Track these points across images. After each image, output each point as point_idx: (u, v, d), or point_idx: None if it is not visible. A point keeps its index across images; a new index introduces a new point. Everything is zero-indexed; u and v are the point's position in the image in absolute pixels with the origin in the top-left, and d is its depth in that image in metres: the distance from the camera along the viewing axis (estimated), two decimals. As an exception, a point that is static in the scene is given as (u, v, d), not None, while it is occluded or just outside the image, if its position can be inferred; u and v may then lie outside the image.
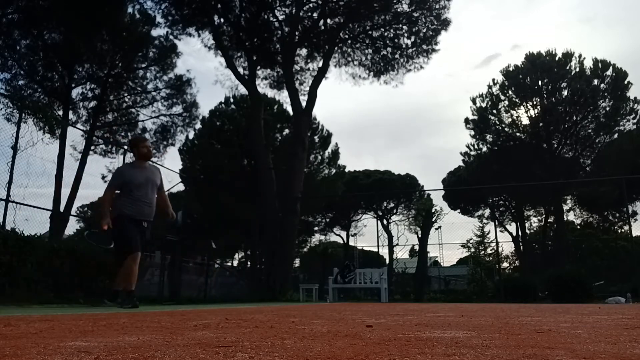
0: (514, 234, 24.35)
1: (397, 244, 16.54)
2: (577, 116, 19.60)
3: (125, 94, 16.09)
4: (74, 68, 14.57)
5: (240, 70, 15.39)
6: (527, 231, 24.88)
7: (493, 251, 13.79)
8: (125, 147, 14.62)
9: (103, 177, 15.23)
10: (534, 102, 20.47)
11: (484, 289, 12.04)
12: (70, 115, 14.83)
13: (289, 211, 12.90)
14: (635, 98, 19.39)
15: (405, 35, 15.77)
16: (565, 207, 22.33)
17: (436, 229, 15.55)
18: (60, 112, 14.22)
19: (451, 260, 33.33)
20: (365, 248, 23.81)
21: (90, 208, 24.64)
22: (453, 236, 23.81)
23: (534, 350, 1.26)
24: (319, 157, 20.51)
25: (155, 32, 15.46)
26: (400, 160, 76.60)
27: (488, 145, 21.66)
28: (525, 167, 19.51)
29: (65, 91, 14.49)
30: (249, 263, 22.01)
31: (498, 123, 21.09)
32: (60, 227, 11.28)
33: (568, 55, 19.92)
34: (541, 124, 20.17)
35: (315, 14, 15.48)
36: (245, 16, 15.24)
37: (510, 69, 20.99)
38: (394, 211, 25.69)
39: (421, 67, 16.12)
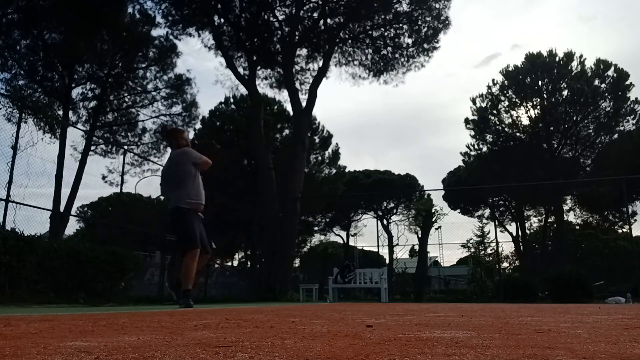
0: (514, 234, 24.38)
1: (397, 244, 16.58)
2: (578, 116, 19.60)
3: (125, 94, 16.10)
4: (74, 68, 14.57)
5: (240, 70, 15.40)
6: (527, 231, 24.89)
7: (493, 251, 13.79)
8: (124, 147, 14.60)
9: (104, 178, 15.26)
10: (534, 102, 20.47)
11: (484, 289, 12.04)
12: (70, 115, 14.85)
13: (289, 211, 12.90)
14: (636, 98, 19.40)
15: (406, 34, 15.78)
16: (565, 207, 22.33)
17: (436, 229, 15.58)
18: (60, 112, 14.23)
19: (451, 260, 33.40)
20: (365, 248, 23.85)
21: (90, 208, 24.64)
22: (453, 236, 23.89)
23: (534, 350, 1.26)
24: (319, 157, 20.53)
25: (155, 32, 15.49)
26: (400, 160, 76.61)
27: (488, 145, 21.66)
28: (525, 167, 19.51)
29: (65, 91, 14.49)
30: (249, 263, 22.03)
31: (498, 123, 21.09)
32: (60, 227, 11.30)
33: (569, 56, 19.91)
34: (541, 124, 20.17)
35: (315, 14, 15.48)
36: (245, 16, 15.23)
37: (510, 69, 20.99)
38: (394, 211, 25.72)
39: (422, 65, 16.14)
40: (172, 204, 4.79)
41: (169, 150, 5.38)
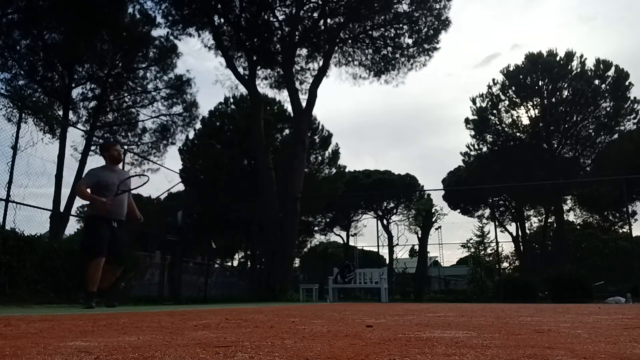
0: (514, 234, 24.38)
1: (397, 244, 16.56)
2: (578, 116, 19.60)
3: (125, 94, 16.09)
4: (74, 68, 14.56)
5: (240, 70, 15.40)
6: (527, 231, 24.89)
7: (493, 251, 13.79)
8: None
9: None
10: (534, 102, 20.47)
11: (484, 289, 12.03)
12: (70, 115, 14.84)
13: (289, 211, 12.90)
14: (635, 98, 19.40)
15: (406, 34, 15.78)
16: (565, 207, 22.34)
17: (436, 229, 15.57)
18: (60, 112, 14.22)
19: (451, 260, 33.40)
20: (365, 248, 23.84)
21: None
22: (453, 236, 23.84)
23: (534, 350, 1.26)
24: (319, 157, 20.52)
25: (155, 32, 15.47)
26: (400, 160, 76.69)
27: (488, 145, 21.66)
28: (526, 167, 19.51)
29: (65, 91, 14.48)
30: (249, 263, 22.01)
31: (498, 123, 21.09)
32: (60, 227, 11.29)
33: (569, 55, 19.91)
34: (541, 124, 20.17)
35: (315, 14, 15.48)
36: (245, 16, 15.23)
37: (511, 68, 20.99)
38: (394, 211, 25.72)
39: (423, 65, 16.14)
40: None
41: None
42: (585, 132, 19.83)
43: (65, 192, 13.01)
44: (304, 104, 14.30)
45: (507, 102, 20.92)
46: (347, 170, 22.87)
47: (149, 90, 16.10)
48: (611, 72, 19.39)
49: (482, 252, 13.95)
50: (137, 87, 16.02)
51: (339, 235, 26.81)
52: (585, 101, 19.08)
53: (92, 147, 15.29)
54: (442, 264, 20.47)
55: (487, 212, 23.86)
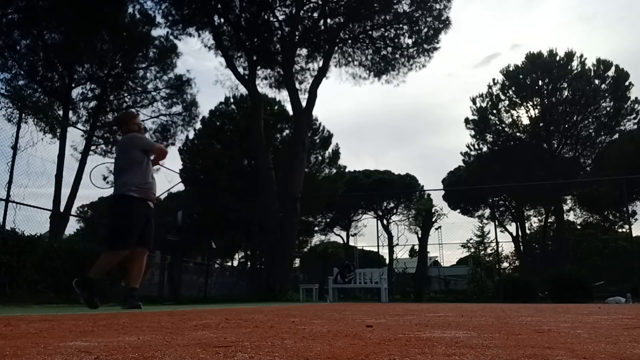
0: (514, 234, 24.39)
1: (397, 244, 16.57)
2: (578, 116, 19.60)
3: (125, 94, 16.08)
4: (74, 68, 14.56)
5: (240, 70, 15.40)
6: (527, 231, 24.89)
7: (493, 251, 13.79)
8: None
9: (104, 178, 15.21)
10: (535, 102, 20.48)
11: (484, 289, 12.03)
12: (70, 115, 14.84)
13: (289, 211, 12.90)
14: (636, 98, 19.41)
15: (406, 35, 15.78)
16: (565, 207, 22.34)
17: (436, 229, 15.57)
18: (60, 112, 14.22)
19: (451, 260, 33.39)
20: (365, 248, 23.86)
21: (90, 208, 24.65)
22: (453, 236, 23.86)
23: (534, 350, 1.26)
24: (319, 157, 20.53)
25: (155, 32, 15.45)
26: (400, 160, 76.63)
27: (488, 145, 21.66)
28: (526, 167, 19.52)
29: (65, 91, 14.48)
30: (249, 263, 22.02)
31: (498, 123, 21.10)
32: (60, 227, 11.29)
33: (569, 55, 19.91)
34: (541, 124, 20.18)
35: (315, 14, 15.49)
36: (245, 16, 15.24)
37: (511, 68, 21.00)
38: (394, 211, 25.73)
39: (423, 65, 16.14)
40: (116, 191, 4.24)
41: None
42: (586, 132, 19.84)
43: (65, 192, 13.02)
44: (304, 104, 14.31)
45: (507, 102, 20.93)
46: (347, 170, 22.88)
47: (148, 90, 16.10)
48: (611, 72, 19.39)
49: (482, 252, 13.96)
50: (137, 87, 16.02)
51: (339, 235, 26.84)
52: (586, 101, 19.08)
53: (92, 147, 15.31)
54: (442, 264, 20.48)
55: (487, 212, 23.88)
